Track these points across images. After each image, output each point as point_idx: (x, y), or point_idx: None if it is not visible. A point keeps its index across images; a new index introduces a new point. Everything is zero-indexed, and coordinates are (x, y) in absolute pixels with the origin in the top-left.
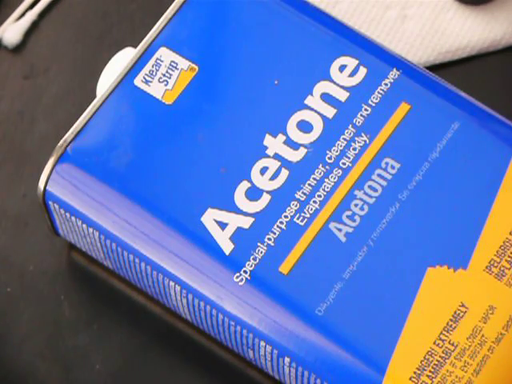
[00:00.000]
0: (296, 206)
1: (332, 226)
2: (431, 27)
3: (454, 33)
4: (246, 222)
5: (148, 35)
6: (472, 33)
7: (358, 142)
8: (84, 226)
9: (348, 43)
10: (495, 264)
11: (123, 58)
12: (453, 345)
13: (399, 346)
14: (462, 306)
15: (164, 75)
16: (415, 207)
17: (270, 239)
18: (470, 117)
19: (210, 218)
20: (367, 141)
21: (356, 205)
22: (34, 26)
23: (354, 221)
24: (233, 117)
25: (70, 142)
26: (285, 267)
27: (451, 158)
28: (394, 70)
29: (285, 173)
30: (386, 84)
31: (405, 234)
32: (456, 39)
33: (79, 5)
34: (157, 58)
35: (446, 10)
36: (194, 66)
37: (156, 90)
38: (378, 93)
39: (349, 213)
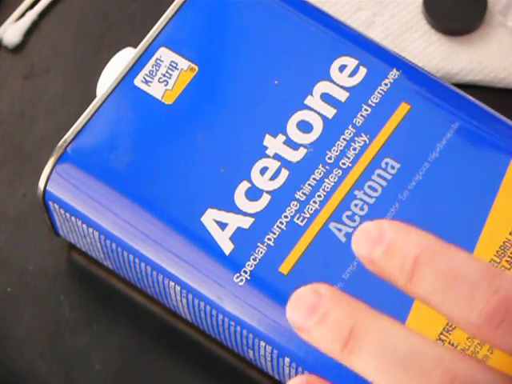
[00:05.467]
0: (296, 206)
1: (332, 226)
2: (393, 41)
3: (412, 53)
4: (246, 222)
5: (148, 35)
6: (431, 58)
7: (358, 142)
8: (84, 226)
9: (348, 43)
10: (495, 264)
11: (123, 58)
12: (453, 345)
13: None
14: None
15: (164, 75)
16: (415, 207)
17: (269, 239)
18: (469, 117)
19: (209, 218)
20: (367, 141)
21: (356, 205)
22: (34, 25)
23: (354, 221)
24: (233, 117)
25: (70, 142)
26: (285, 267)
27: (451, 158)
28: (394, 70)
29: (285, 173)
30: (385, 84)
31: None
32: (413, 59)
33: (79, 5)
34: (157, 58)
35: (414, 29)
36: (193, 66)
37: (156, 90)
38: (378, 93)
39: (349, 213)
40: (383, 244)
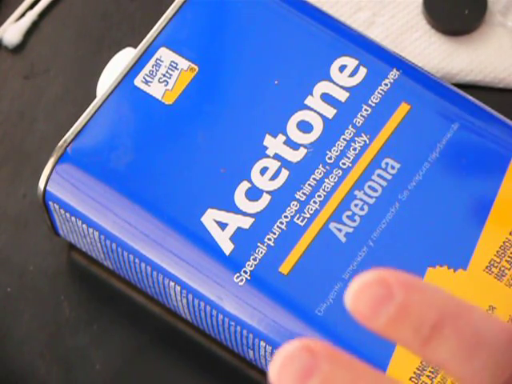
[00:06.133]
0: (296, 206)
1: (332, 226)
2: (393, 41)
3: (412, 53)
4: (246, 222)
5: (148, 35)
6: (431, 58)
7: (358, 142)
8: (84, 226)
9: (348, 43)
10: (495, 264)
11: (123, 58)
12: None
13: (399, 347)
14: None
15: (164, 75)
16: (415, 207)
17: (270, 239)
18: (470, 117)
19: (210, 218)
20: (367, 141)
21: (356, 205)
22: (35, 25)
23: (354, 221)
24: (233, 117)
25: (70, 142)
26: (285, 267)
27: (451, 158)
28: (394, 70)
29: (285, 173)
30: (386, 84)
31: (405, 234)
32: (413, 59)
33: (79, 5)
34: (157, 58)
35: (414, 29)
36: (193, 66)
37: (156, 90)
38: (378, 93)
39: (349, 213)
40: (392, 304)
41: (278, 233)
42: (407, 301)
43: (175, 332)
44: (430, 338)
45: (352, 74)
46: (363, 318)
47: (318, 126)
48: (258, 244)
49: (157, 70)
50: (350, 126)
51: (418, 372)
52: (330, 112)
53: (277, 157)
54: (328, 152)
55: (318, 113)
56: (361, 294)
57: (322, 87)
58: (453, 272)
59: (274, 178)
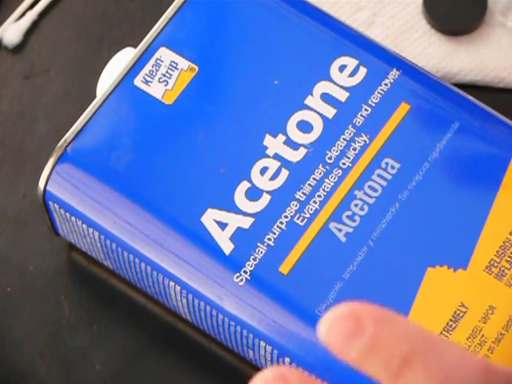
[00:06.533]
0: (296, 206)
1: (332, 226)
2: (393, 41)
3: (412, 53)
4: (246, 222)
5: (148, 35)
6: (431, 58)
7: (358, 142)
8: (84, 226)
9: (348, 43)
10: (495, 264)
11: (123, 58)
12: None
13: None
14: (462, 305)
15: (164, 75)
16: (415, 207)
17: (270, 239)
18: (469, 117)
19: (210, 218)
20: (367, 141)
21: (356, 205)
22: (35, 25)
23: (354, 221)
24: (233, 117)
25: (70, 142)
26: (285, 267)
27: (451, 158)
28: (394, 70)
29: (285, 173)
30: (385, 84)
31: (405, 234)
32: (413, 59)
33: (79, 5)
34: (157, 58)
35: (414, 29)
36: (193, 66)
37: (156, 90)
38: (378, 93)
39: (349, 213)
40: (363, 337)
41: (277, 233)
42: (377, 335)
43: (175, 332)
44: (401, 372)
45: (352, 74)
46: (336, 351)
47: (318, 126)
48: (258, 244)
49: (157, 70)
50: (349, 126)
51: None
52: (329, 112)
53: (277, 157)
54: (328, 152)
55: (318, 113)
56: (333, 327)
57: (321, 87)
58: (453, 272)
59: (273, 177)
